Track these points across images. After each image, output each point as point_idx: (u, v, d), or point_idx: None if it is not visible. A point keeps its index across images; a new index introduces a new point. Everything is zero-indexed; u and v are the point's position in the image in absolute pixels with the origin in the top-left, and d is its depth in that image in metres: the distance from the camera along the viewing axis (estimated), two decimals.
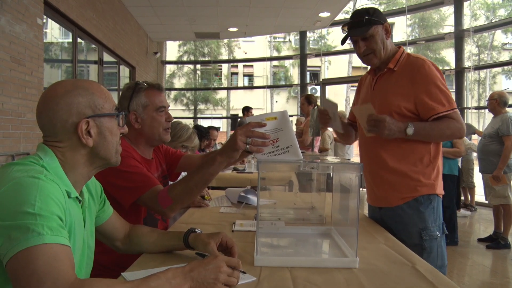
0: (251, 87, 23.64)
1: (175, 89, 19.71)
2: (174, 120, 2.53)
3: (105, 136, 1.10)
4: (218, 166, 1.42)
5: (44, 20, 5.10)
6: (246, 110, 8.43)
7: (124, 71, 9.22)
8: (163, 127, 1.74)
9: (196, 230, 1.34)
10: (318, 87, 12.37)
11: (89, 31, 6.47)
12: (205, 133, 4.80)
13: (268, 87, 18.80)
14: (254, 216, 1.98)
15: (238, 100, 20.80)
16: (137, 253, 1.38)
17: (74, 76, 6.25)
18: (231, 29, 10.52)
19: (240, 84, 25.11)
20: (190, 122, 14.70)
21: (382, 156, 1.85)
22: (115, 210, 1.42)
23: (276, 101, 23.73)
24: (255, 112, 8.12)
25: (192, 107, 20.52)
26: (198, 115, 19.50)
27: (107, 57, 7.82)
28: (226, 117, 21.55)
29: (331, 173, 1.78)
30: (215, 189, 3.28)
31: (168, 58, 14.83)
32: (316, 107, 5.34)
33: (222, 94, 22.35)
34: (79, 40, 6.43)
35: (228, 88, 23.35)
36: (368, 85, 2.02)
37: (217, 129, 5.43)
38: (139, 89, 1.71)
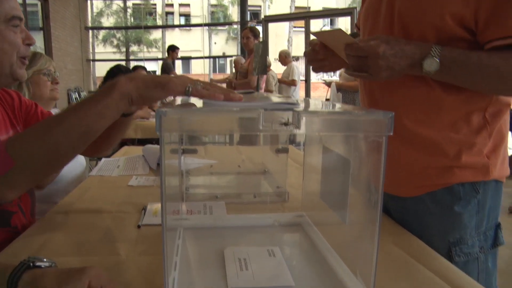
0: (187, 25, 21.97)
1: (103, 28, 17.84)
2: None
3: None
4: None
5: None
6: (172, 49, 7.37)
7: (33, 5, 7.79)
8: (20, 53, 0.91)
9: (40, 264, 0.63)
10: (259, 27, 11.54)
11: None
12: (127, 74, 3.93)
13: (206, 25, 17.53)
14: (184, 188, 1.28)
15: (174, 41, 19.21)
16: None
17: None
18: None
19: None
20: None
21: (393, 110, 0.96)
22: None
23: (215, 42, 22.33)
24: (192, 54, 7.15)
25: (124, 49, 18.84)
26: (131, 58, 17.95)
27: None
28: (161, 59, 20.09)
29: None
30: (135, 144, 2.54)
31: None
32: (260, 41, 4.59)
33: (156, 34, 20.55)
34: None
35: (162, 27, 21.47)
36: None
37: (144, 68, 4.54)
38: None
